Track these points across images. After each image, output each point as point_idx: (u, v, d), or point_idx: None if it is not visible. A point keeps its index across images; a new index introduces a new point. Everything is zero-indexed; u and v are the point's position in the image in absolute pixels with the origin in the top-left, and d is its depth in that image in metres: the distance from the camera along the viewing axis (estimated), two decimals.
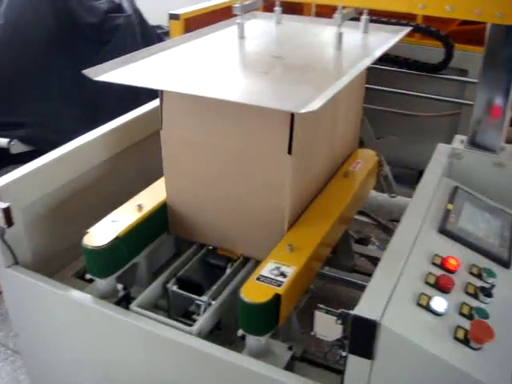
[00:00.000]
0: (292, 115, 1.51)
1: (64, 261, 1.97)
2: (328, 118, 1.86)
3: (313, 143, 1.77)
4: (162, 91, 1.66)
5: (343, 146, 2.12)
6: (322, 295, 2.87)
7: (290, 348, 1.59)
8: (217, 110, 1.62)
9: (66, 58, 3.03)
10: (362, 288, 2.22)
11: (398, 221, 1.58)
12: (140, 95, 2.62)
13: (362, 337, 1.23)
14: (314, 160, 1.84)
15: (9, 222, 1.66)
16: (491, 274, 1.42)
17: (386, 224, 2.70)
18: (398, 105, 2.89)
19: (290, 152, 1.58)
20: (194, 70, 1.62)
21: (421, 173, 3.33)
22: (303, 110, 1.25)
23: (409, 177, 3.39)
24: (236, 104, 1.42)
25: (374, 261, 2.47)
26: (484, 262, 1.47)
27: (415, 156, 3.16)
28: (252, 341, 1.52)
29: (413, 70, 2.94)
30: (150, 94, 2.08)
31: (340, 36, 1.72)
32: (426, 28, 2.79)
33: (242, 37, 1.87)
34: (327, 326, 1.30)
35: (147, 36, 3.44)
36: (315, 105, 1.27)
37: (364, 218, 2.82)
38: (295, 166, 1.63)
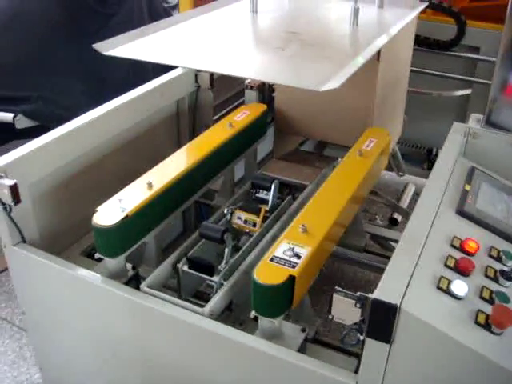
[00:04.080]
0: None
1: (71, 238, 1.94)
2: None
3: None
4: None
5: None
6: (329, 274, 2.86)
7: (303, 330, 1.56)
8: None
9: (71, 31, 2.97)
10: (373, 268, 2.24)
11: None
12: (147, 71, 2.57)
13: (380, 321, 1.20)
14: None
15: (16, 199, 1.63)
16: (510, 256, 1.39)
17: (395, 203, 2.67)
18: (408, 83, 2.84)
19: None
20: (206, 45, 1.57)
21: (429, 152, 3.32)
22: (323, 88, 1.21)
23: (416, 155, 3.38)
24: None
25: (381, 240, 2.44)
26: (503, 244, 1.44)
27: (423, 134, 3.15)
28: (265, 322, 1.49)
29: (424, 47, 2.90)
30: (156, 69, 2.04)
31: (356, 11, 1.67)
32: (438, 4, 2.74)
33: (254, 11, 1.81)
34: (345, 310, 1.27)
35: (154, 9, 3.38)
36: (335, 83, 1.23)
37: (371, 196, 2.78)
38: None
